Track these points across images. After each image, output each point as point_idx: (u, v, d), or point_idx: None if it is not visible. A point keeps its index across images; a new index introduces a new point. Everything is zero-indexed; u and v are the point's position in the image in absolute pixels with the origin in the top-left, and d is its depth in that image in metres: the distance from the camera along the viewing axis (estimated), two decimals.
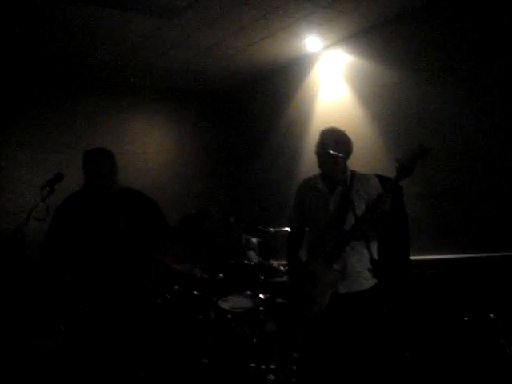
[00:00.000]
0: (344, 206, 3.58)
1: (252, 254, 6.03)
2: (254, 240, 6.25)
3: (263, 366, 4.90)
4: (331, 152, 3.55)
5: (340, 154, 3.55)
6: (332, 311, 3.51)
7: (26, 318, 4.46)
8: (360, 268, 3.57)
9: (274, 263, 5.89)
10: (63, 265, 3.66)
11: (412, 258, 4.89)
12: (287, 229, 4.63)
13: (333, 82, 6.61)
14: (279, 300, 5.32)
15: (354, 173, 3.71)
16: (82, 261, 3.55)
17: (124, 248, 3.58)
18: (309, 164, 6.10)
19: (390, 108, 5.87)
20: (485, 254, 4.91)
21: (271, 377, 4.86)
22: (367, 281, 3.59)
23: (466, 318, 4.38)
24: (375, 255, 3.63)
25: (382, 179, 4.89)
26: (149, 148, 7.76)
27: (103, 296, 3.51)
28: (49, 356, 4.52)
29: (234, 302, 5.18)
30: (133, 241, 3.62)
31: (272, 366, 4.91)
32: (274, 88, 7.57)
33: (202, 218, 3.51)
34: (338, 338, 3.52)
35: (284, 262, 6.11)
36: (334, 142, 3.64)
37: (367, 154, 5.86)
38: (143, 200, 3.87)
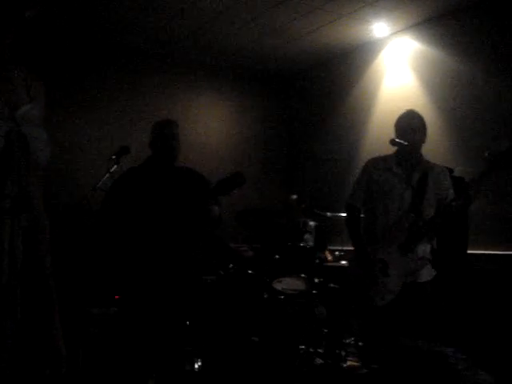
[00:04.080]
0: (421, 194, 3.53)
1: (309, 237, 6.03)
2: (312, 223, 6.25)
3: (311, 350, 4.93)
4: (398, 140, 3.52)
5: (405, 143, 3.51)
6: (401, 300, 3.49)
7: (86, 286, 4.60)
8: (428, 257, 3.55)
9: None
10: (119, 233, 3.74)
11: (470, 251, 4.83)
12: (343, 214, 4.59)
13: (399, 68, 6.52)
14: (332, 285, 5.34)
15: (428, 161, 3.65)
16: (137, 230, 3.63)
17: (175, 219, 3.64)
18: (370, 151, 6.05)
19: (455, 98, 5.76)
20: None
21: (318, 360, 4.89)
22: (431, 271, 3.58)
23: None
24: (435, 245, 3.62)
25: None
26: (211, 127, 7.83)
27: (157, 267, 3.59)
28: (104, 324, 4.65)
29: (288, 284, 5.21)
30: (180, 212, 3.66)
31: (320, 350, 4.94)
32: (338, 73, 7.52)
33: (237, 181, 3.57)
34: (406, 326, 3.49)
35: (338, 248, 6.13)
36: (423, 126, 3.62)
37: (430, 143, 5.74)
38: (194, 176, 3.94)
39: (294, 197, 6.41)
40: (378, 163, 3.73)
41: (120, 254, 3.73)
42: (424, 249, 3.54)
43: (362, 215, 3.87)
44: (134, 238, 3.61)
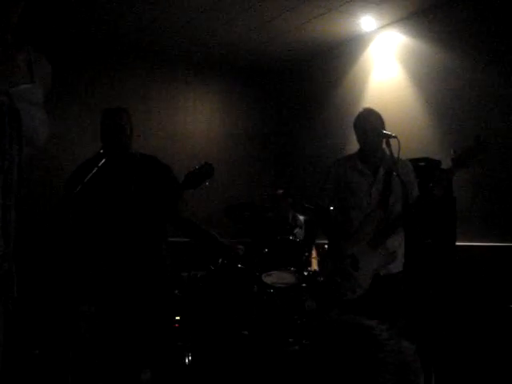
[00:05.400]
0: (387, 190, 3.58)
1: (298, 231, 6.05)
2: (302, 218, 6.26)
3: (304, 342, 4.95)
4: (386, 132, 3.54)
5: (393, 135, 3.52)
6: (374, 292, 3.52)
7: (75, 283, 4.55)
8: (399, 249, 3.60)
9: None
10: (76, 231, 3.62)
11: (458, 243, 4.87)
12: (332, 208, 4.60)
13: (386, 62, 6.54)
14: (321, 278, 5.36)
15: (392, 156, 3.66)
16: (95, 226, 3.53)
17: (134, 213, 3.52)
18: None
19: (442, 91, 5.79)
20: None
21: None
22: (402, 261, 3.64)
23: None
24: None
25: (431, 162, 4.87)
26: (198, 121, 7.82)
27: (118, 262, 3.47)
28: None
29: (278, 277, 5.23)
30: (143, 205, 3.55)
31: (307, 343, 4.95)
32: (326, 67, 7.53)
33: (204, 173, 3.51)
34: (381, 316, 3.53)
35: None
36: (382, 122, 3.64)
37: (418, 135, 5.81)
38: (156, 165, 3.73)
39: (281, 191, 6.43)
40: (343, 163, 3.80)
41: (77, 254, 3.62)
42: (394, 243, 3.60)
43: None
44: (88, 235, 3.51)
